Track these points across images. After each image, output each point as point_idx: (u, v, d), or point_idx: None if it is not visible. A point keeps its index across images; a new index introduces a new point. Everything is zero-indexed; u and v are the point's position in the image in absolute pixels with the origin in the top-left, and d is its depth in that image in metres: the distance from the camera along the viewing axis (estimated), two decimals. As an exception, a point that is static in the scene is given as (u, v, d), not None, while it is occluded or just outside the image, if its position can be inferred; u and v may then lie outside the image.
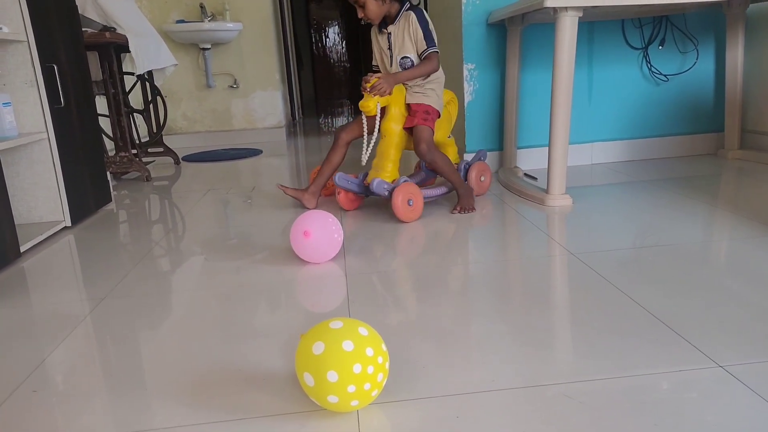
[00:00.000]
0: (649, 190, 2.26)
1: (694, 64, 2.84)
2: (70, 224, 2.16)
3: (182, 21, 4.24)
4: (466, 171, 2.26)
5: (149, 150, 3.67)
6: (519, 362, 1.05)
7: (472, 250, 1.76)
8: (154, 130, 3.66)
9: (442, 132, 2.24)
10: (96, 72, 2.94)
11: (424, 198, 2.10)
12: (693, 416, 0.86)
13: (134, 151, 3.22)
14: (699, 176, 2.48)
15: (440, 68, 2.11)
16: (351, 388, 0.86)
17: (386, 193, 2.02)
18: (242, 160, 3.69)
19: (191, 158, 3.84)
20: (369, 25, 2.19)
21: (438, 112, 2.11)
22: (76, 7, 2.36)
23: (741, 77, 2.70)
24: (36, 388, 1.06)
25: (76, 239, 2.06)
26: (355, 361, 0.86)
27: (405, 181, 2.01)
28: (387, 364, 0.91)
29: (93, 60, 2.89)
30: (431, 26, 2.05)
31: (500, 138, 2.79)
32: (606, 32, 2.76)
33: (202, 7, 4.25)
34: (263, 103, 4.57)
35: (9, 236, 1.76)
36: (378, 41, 2.15)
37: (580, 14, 2.03)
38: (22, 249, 1.84)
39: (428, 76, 2.09)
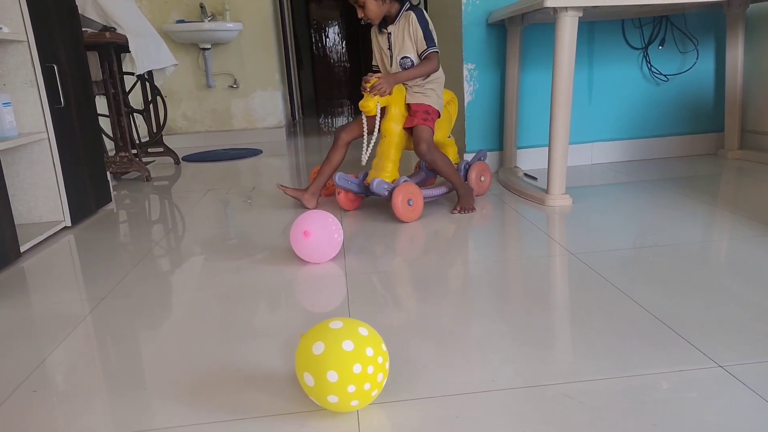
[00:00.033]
0: (649, 190, 2.26)
1: (694, 64, 2.84)
2: (70, 224, 2.16)
3: (182, 21, 4.24)
4: (466, 171, 2.26)
5: (149, 150, 3.67)
6: (519, 362, 1.05)
7: (472, 250, 1.76)
8: (154, 130, 3.66)
9: (442, 132, 2.24)
10: (96, 72, 2.94)
11: (424, 198, 2.10)
12: (693, 416, 0.86)
13: (134, 151, 3.22)
14: (699, 176, 2.48)
15: (440, 68, 2.11)
16: (351, 388, 0.86)
17: (386, 193, 2.02)
18: (242, 160, 3.69)
19: (191, 158, 3.84)
20: (369, 25, 2.18)
21: (438, 112, 2.11)
22: (76, 7, 2.36)
23: (741, 77, 2.70)
24: (36, 388, 1.07)
25: (76, 239, 2.06)
26: (355, 361, 0.86)
27: (405, 181, 2.01)
28: (387, 364, 0.91)
29: (93, 60, 2.89)
30: (431, 26, 2.05)
31: (500, 138, 2.79)
32: (606, 32, 2.76)
33: (202, 7, 4.25)
34: (263, 103, 4.57)
35: (9, 236, 1.76)
36: (378, 41, 2.15)
37: (580, 14, 2.03)
38: (22, 249, 1.84)
39: (428, 76, 2.09)
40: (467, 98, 2.73)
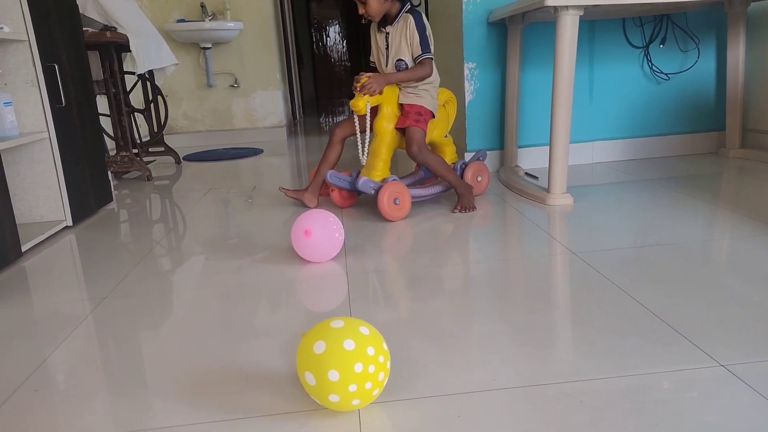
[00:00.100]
0: (650, 189, 2.26)
1: (695, 63, 2.83)
2: (71, 224, 2.16)
3: (183, 20, 4.24)
4: (462, 171, 2.25)
5: (150, 149, 3.67)
6: (519, 362, 1.05)
7: (473, 250, 1.76)
8: (155, 130, 3.66)
9: (439, 131, 2.24)
10: (97, 71, 2.94)
11: (415, 198, 2.11)
12: (694, 416, 0.86)
13: (135, 151, 3.22)
14: (700, 175, 2.48)
15: (435, 71, 2.11)
16: (352, 388, 0.86)
17: (372, 192, 2.03)
18: (243, 160, 3.69)
19: (192, 157, 3.84)
20: (369, 25, 2.18)
21: (431, 112, 2.11)
22: (77, 6, 2.36)
23: (742, 76, 2.70)
24: (37, 387, 1.07)
25: (77, 239, 2.07)
26: (357, 361, 0.86)
27: (393, 180, 2.02)
28: (388, 364, 0.91)
29: (94, 59, 2.89)
30: (429, 31, 2.05)
31: (501, 137, 2.79)
32: (607, 31, 2.76)
33: (202, 6, 4.25)
34: (264, 103, 4.57)
35: (10, 236, 1.76)
36: (376, 39, 2.15)
37: (581, 13, 2.03)
38: (24, 248, 1.85)
39: (421, 80, 2.08)
40: (468, 97, 2.73)
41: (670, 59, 2.83)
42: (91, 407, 0.99)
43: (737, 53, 2.68)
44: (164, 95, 3.67)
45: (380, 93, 2.03)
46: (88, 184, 2.32)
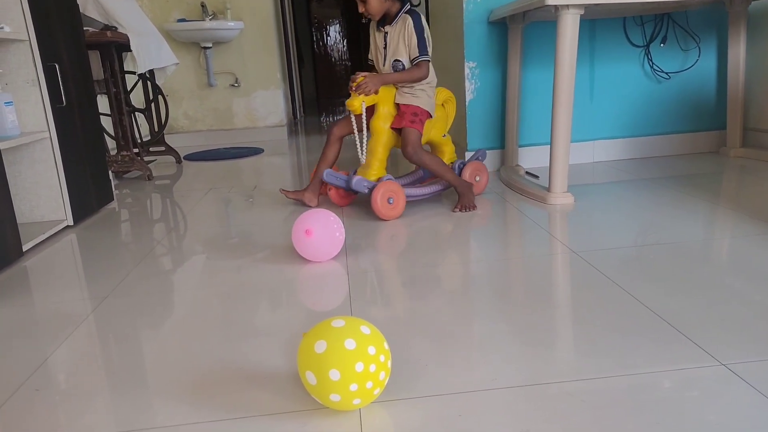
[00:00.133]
0: (650, 188, 2.26)
1: (696, 62, 2.83)
2: (72, 223, 2.17)
3: (183, 20, 4.24)
4: (460, 170, 2.24)
5: (151, 149, 3.67)
6: (520, 361, 1.05)
7: (474, 249, 1.75)
8: (156, 129, 3.66)
9: (437, 131, 2.24)
10: (97, 71, 2.94)
11: (411, 197, 2.11)
12: (695, 415, 0.86)
13: (136, 150, 3.22)
14: (701, 174, 2.48)
15: (431, 72, 2.10)
16: (353, 387, 0.86)
17: (366, 191, 2.03)
18: (244, 159, 3.69)
19: (193, 157, 3.84)
20: (370, 24, 2.18)
21: (428, 113, 2.11)
22: (77, 6, 2.36)
23: (743, 75, 2.70)
24: (38, 386, 1.07)
25: (78, 238, 2.07)
26: (357, 360, 0.86)
27: (388, 179, 2.03)
28: (389, 363, 0.91)
29: (94, 59, 2.89)
30: (427, 33, 2.05)
31: (502, 136, 2.79)
32: (607, 30, 2.76)
33: (203, 5, 4.25)
34: (264, 102, 4.57)
35: (11, 235, 1.76)
36: (375, 38, 2.15)
37: (582, 12, 2.03)
38: (25, 248, 1.85)
39: (417, 82, 2.07)
40: (469, 96, 2.73)
41: (671, 58, 2.82)
42: (92, 406, 0.99)
43: (738, 52, 2.68)
44: (165, 95, 3.67)
45: (376, 93, 2.03)
46: (89, 183, 2.32)
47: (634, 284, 1.35)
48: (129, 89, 3.45)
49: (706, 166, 2.63)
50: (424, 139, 2.15)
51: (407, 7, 2.05)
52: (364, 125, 2.07)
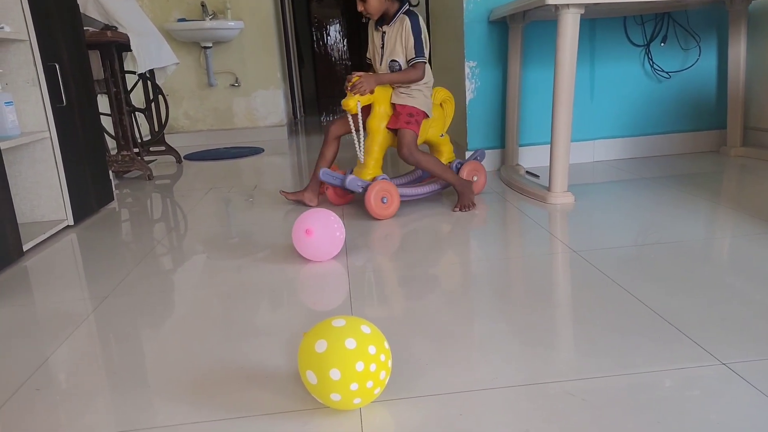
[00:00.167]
0: (651, 188, 2.26)
1: (697, 61, 2.83)
2: (72, 223, 2.17)
3: (183, 20, 4.24)
4: (458, 170, 2.24)
5: (151, 149, 3.67)
6: (520, 360, 1.05)
7: (474, 248, 1.75)
8: (156, 129, 3.67)
9: (435, 130, 2.24)
10: (98, 71, 2.94)
11: (407, 197, 2.11)
12: (695, 414, 0.86)
13: (136, 150, 3.23)
14: (701, 173, 2.47)
15: (428, 73, 2.10)
16: (354, 386, 0.86)
17: (360, 190, 2.04)
18: (244, 159, 3.69)
19: (193, 157, 3.84)
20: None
21: (424, 113, 2.11)
22: (78, 6, 2.36)
23: (743, 74, 2.70)
24: (39, 386, 1.07)
25: (78, 238, 2.07)
26: (358, 359, 0.86)
27: (383, 178, 2.03)
28: (389, 362, 0.91)
29: (95, 59, 2.89)
30: (424, 35, 2.05)
31: (502, 135, 2.79)
32: (608, 29, 2.76)
33: (203, 5, 4.25)
34: (265, 102, 4.57)
35: (12, 235, 1.76)
36: (373, 37, 2.15)
37: (582, 11, 2.03)
38: (25, 248, 1.85)
39: (411, 83, 2.08)
40: (469, 96, 2.73)
41: (671, 57, 2.82)
42: (93, 406, 0.99)
43: (738, 51, 2.68)
44: (165, 94, 3.67)
45: (371, 92, 2.04)
46: (89, 183, 2.32)
47: (635, 283, 1.35)
48: (129, 89, 3.46)
49: (707, 165, 2.63)
50: (421, 139, 2.15)
51: (406, 7, 2.05)
52: (361, 124, 2.07)
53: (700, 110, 2.90)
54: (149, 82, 3.54)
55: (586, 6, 2.03)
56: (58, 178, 2.10)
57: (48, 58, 2.05)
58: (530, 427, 0.86)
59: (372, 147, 2.09)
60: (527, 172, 2.63)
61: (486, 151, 2.69)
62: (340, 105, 2.06)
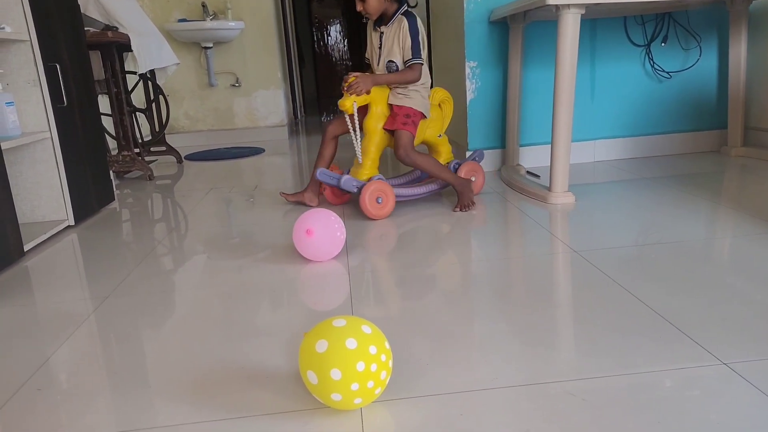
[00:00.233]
0: (651, 188, 2.26)
1: (697, 61, 2.83)
2: (73, 223, 2.17)
3: (184, 20, 4.25)
4: (456, 170, 2.24)
5: (152, 149, 3.67)
6: (521, 360, 1.05)
7: (475, 248, 1.75)
8: (157, 129, 3.67)
9: (433, 131, 2.24)
10: (98, 71, 2.94)
11: (403, 197, 2.11)
12: (696, 414, 0.86)
13: (137, 150, 3.23)
14: (702, 173, 2.47)
15: (425, 74, 2.10)
16: (354, 386, 0.86)
17: (355, 190, 2.04)
18: (244, 159, 3.69)
19: (194, 157, 3.84)
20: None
21: (421, 114, 2.10)
22: (78, 6, 2.36)
23: (744, 74, 2.69)
24: (40, 386, 1.07)
25: (79, 238, 2.07)
26: (359, 359, 0.86)
27: (378, 178, 2.03)
28: (390, 362, 0.91)
29: (95, 59, 2.89)
30: (422, 36, 2.05)
31: (503, 136, 2.79)
32: (608, 29, 2.76)
33: (203, 6, 4.25)
34: (265, 102, 4.57)
35: (12, 235, 1.76)
36: (371, 37, 2.15)
37: (583, 11, 2.03)
38: (26, 248, 1.85)
39: (408, 84, 2.08)
40: (469, 96, 2.73)
41: (672, 57, 2.82)
42: (94, 406, 0.99)
43: (739, 51, 2.68)
44: (166, 95, 3.67)
45: (367, 93, 2.04)
46: (90, 183, 2.32)
47: (635, 283, 1.35)
48: (130, 89, 3.46)
49: (707, 165, 2.63)
50: (419, 140, 2.15)
51: (404, 8, 2.05)
52: (358, 125, 2.07)
53: (701, 110, 2.90)
54: (150, 83, 3.54)
55: (587, 6, 2.03)
56: (59, 179, 2.10)
57: (49, 58, 2.05)
58: (531, 427, 0.86)
59: (369, 147, 2.09)
60: (528, 172, 2.63)
61: (487, 151, 2.69)
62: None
